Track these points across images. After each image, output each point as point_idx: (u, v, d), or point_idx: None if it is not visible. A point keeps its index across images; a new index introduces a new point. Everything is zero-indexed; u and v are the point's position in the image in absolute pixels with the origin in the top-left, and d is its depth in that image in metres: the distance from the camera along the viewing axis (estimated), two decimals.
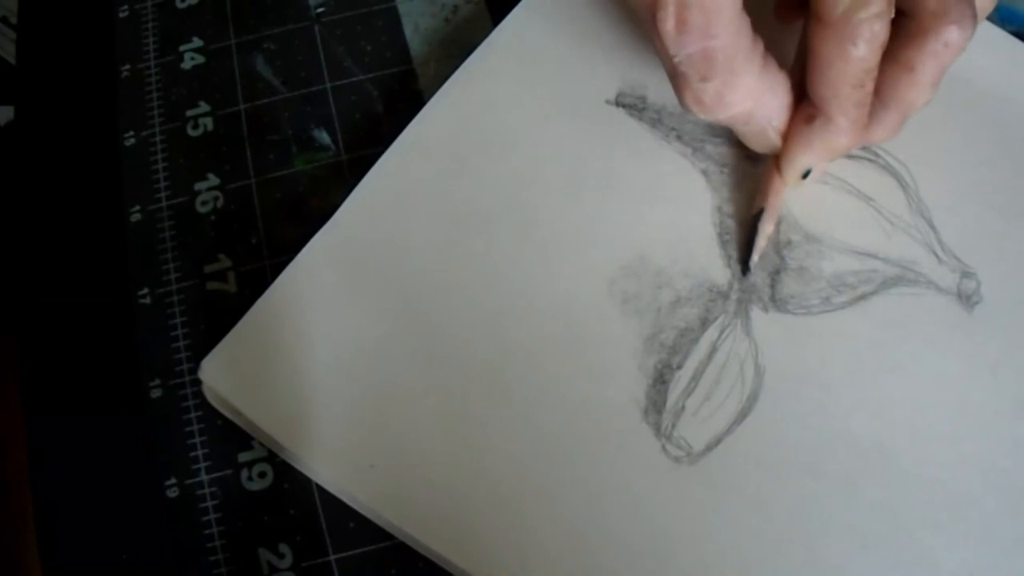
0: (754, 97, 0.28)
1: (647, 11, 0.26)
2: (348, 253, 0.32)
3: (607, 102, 0.34)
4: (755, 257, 0.30)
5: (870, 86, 0.27)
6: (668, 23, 0.26)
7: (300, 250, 0.32)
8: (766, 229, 0.31)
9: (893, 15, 0.26)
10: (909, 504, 0.28)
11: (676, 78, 0.27)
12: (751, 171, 0.33)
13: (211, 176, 0.36)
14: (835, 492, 0.28)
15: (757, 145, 0.30)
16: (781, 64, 0.29)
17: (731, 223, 0.32)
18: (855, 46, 0.26)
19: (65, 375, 0.33)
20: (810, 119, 0.28)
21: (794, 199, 0.32)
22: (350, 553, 0.30)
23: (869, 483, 0.28)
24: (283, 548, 0.30)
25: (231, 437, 0.31)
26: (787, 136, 0.29)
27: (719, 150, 0.33)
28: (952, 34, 0.27)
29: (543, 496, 0.29)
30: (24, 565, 0.31)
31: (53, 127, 0.38)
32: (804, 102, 0.29)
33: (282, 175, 0.36)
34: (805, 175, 0.30)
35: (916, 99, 0.28)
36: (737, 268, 0.31)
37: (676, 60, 0.26)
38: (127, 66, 0.38)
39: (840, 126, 0.28)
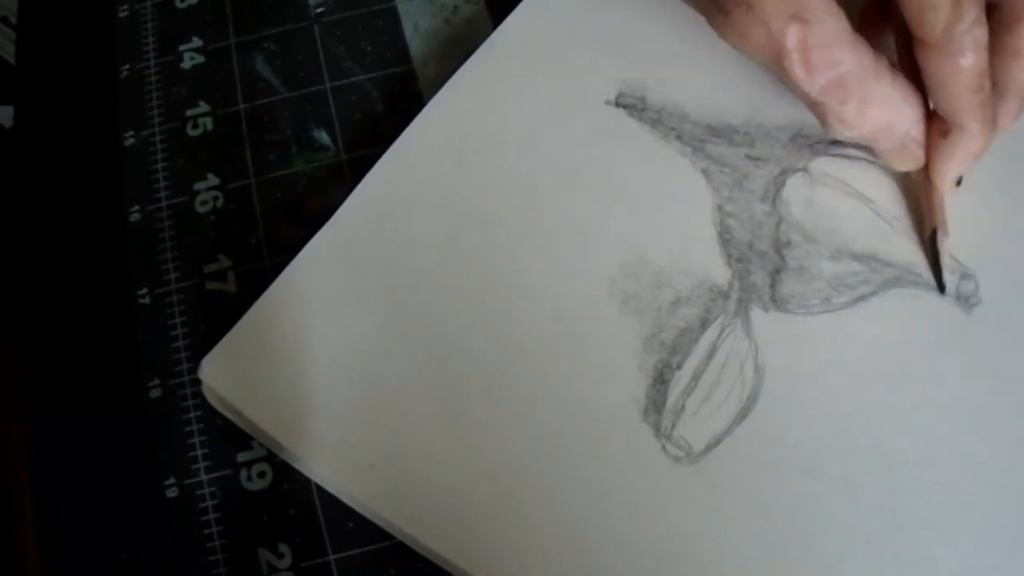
0: (892, 106, 0.29)
1: (773, 60, 0.28)
2: (348, 253, 0.32)
3: (607, 102, 0.34)
4: (946, 274, 0.31)
5: (988, 85, 0.28)
6: (796, 68, 0.27)
7: (300, 250, 0.32)
8: (945, 244, 0.31)
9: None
10: (909, 504, 0.28)
11: (816, 107, 0.29)
12: (752, 171, 0.33)
13: (211, 176, 0.36)
14: (835, 492, 0.28)
15: (904, 164, 0.31)
16: None
17: (731, 222, 0.32)
18: (964, 57, 0.27)
19: (65, 375, 0.33)
20: (945, 133, 0.29)
21: (794, 200, 0.32)
22: (349, 553, 0.30)
23: (869, 483, 0.28)
24: (282, 548, 0.30)
25: (231, 437, 0.31)
26: (930, 153, 0.30)
27: (719, 150, 0.33)
28: None
29: (543, 496, 0.29)
30: (24, 565, 0.31)
31: (53, 127, 0.38)
32: (934, 119, 0.30)
33: (282, 175, 0.36)
34: (958, 182, 0.31)
35: None
36: (738, 267, 0.31)
37: (813, 95, 0.28)
38: (127, 66, 0.38)
39: (973, 131, 0.29)
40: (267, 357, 0.31)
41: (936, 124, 0.30)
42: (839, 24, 0.27)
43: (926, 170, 0.31)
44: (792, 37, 0.27)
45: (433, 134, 0.34)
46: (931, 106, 0.30)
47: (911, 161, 0.31)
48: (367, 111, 0.37)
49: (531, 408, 0.30)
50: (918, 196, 0.32)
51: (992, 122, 0.29)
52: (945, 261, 0.31)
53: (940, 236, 0.31)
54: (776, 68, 0.28)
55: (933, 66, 0.28)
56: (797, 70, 0.27)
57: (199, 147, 0.37)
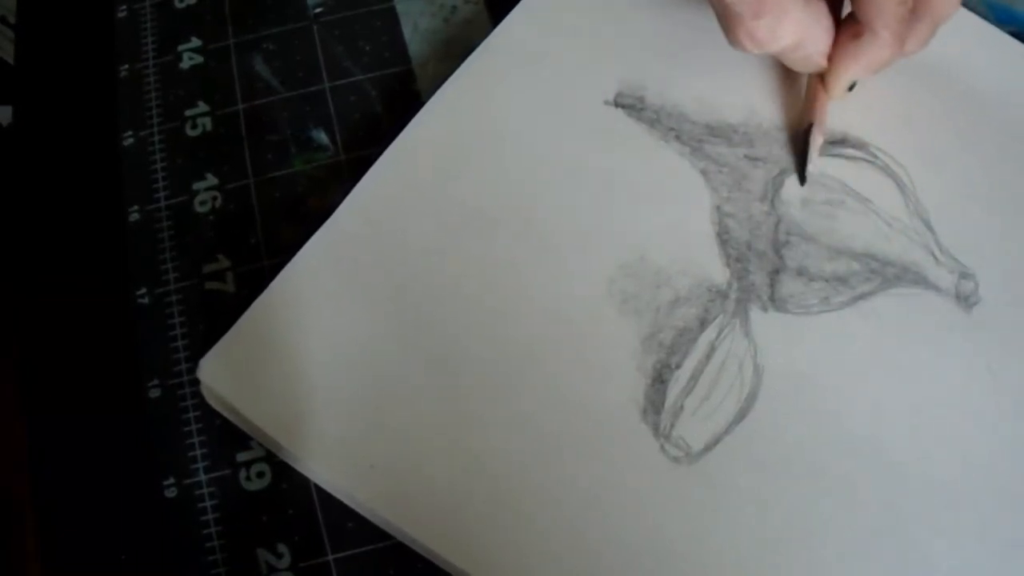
0: (803, 28, 0.30)
1: None
2: (347, 253, 0.32)
3: (606, 103, 0.34)
4: (810, 168, 0.32)
5: (911, 2, 0.29)
6: None
7: (299, 250, 0.32)
8: (816, 141, 0.32)
9: None
10: (908, 504, 0.28)
11: (729, 19, 0.29)
12: (750, 171, 0.33)
13: (209, 176, 0.36)
14: (834, 492, 0.28)
15: (802, 68, 0.32)
16: None
17: (730, 222, 0.32)
18: None
19: (65, 375, 0.33)
20: (856, 35, 0.30)
21: (792, 199, 0.32)
22: (348, 553, 0.30)
23: (868, 483, 0.28)
24: (281, 548, 0.30)
25: (230, 437, 0.31)
26: (833, 54, 0.31)
27: (718, 150, 0.33)
28: None
29: (543, 496, 0.29)
30: (24, 565, 0.31)
31: (52, 127, 0.38)
32: (847, 21, 0.30)
33: (281, 175, 0.36)
34: (851, 88, 0.31)
35: (946, 9, 0.30)
36: (737, 267, 0.31)
37: (729, 1, 0.28)
38: (126, 66, 0.38)
39: (884, 40, 0.30)
40: (266, 357, 0.31)
41: (848, 26, 0.30)
42: None
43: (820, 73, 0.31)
44: None
45: (432, 134, 0.34)
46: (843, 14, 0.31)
47: (811, 67, 0.31)
48: (366, 111, 0.37)
49: (531, 408, 0.30)
50: (795, 91, 0.33)
51: (902, 40, 0.30)
52: (813, 156, 0.32)
53: (815, 131, 0.32)
54: None
55: None
56: None
57: (198, 147, 0.37)
